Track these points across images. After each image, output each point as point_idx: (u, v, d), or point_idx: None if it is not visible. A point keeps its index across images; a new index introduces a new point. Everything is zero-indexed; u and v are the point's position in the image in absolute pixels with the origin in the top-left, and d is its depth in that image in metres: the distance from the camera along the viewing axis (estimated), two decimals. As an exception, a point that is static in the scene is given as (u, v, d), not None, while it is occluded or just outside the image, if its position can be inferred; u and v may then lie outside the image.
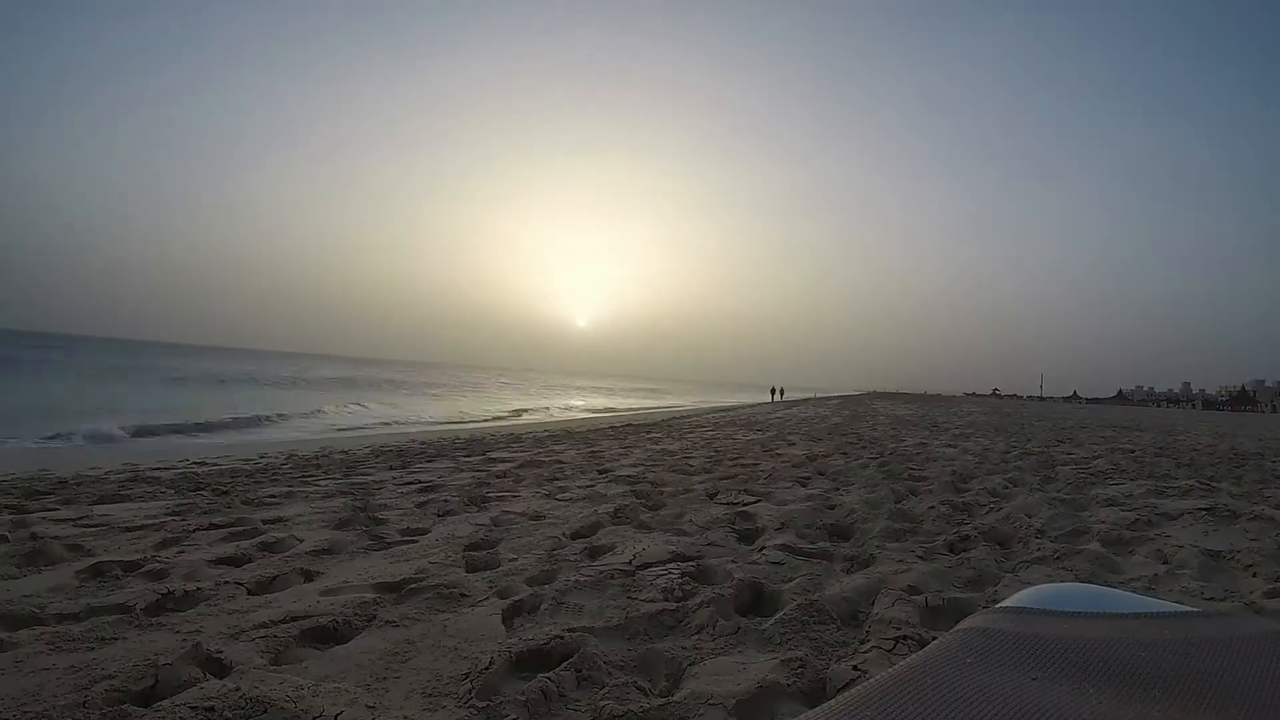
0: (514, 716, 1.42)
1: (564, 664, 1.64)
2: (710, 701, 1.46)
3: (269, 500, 3.81)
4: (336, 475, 4.92)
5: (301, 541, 2.88)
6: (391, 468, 5.39)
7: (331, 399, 21.49)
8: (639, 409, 23.50)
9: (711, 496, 4.15)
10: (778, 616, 1.98)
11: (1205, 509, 3.67)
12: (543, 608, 2.09)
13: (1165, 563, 2.72)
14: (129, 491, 4.06)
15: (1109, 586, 0.98)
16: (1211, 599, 2.25)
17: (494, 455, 6.33)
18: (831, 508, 3.78)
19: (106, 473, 4.93)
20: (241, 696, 1.41)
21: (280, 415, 13.99)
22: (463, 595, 2.20)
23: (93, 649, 1.73)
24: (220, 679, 1.55)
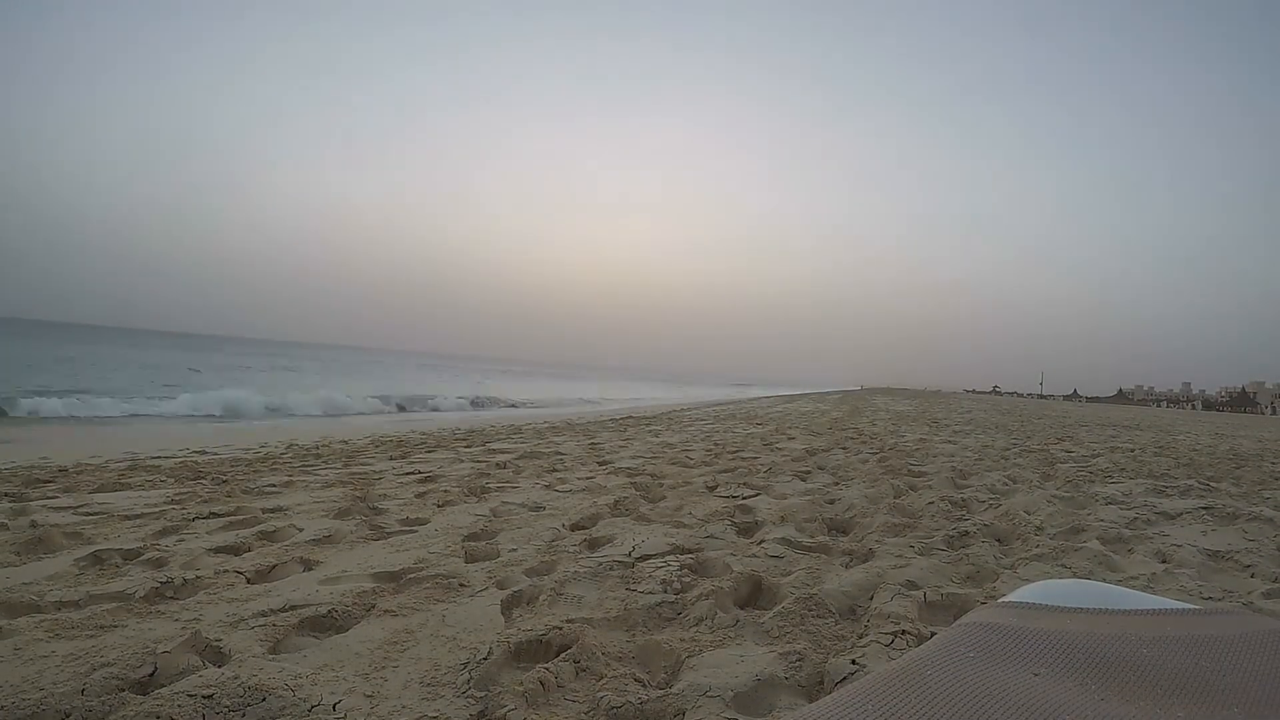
0: (512, 707, 1.42)
1: (562, 655, 1.64)
2: (708, 693, 1.46)
3: (269, 489, 3.81)
4: (336, 465, 4.92)
5: (301, 530, 2.89)
6: (391, 458, 5.40)
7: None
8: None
9: (711, 489, 4.15)
10: (776, 610, 1.98)
11: (1204, 509, 3.67)
12: (541, 599, 2.10)
13: (1164, 562, 2.72)
14: (129, 480, 4.06)
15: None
16: (1210, 599, 2.25)
17: (494, 446, 6.34)
18: (831, 502, 3.78)
19: (106, 461, 4.93)
20: (240, 684, 1.41)
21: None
22: (462, 585, 2.20)
23: (92, 636, 1.73)
24: (219, 667, 1.55)
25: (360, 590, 2.11)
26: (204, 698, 1.37)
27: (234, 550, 2.59)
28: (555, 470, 4.85)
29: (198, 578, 2.18)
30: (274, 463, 5.04)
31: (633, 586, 2.20)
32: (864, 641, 1.74)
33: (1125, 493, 4.36)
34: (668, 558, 2.52)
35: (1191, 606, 0.71)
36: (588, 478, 4.51)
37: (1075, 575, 2.47)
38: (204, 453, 5.61)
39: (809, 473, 5.00)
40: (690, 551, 2.64)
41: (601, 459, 5.56)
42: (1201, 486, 4.71)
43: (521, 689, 1.47)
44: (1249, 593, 2.32)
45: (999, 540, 3.05)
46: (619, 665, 1.64)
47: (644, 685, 1.55)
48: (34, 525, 2.81)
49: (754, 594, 2.22)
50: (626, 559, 2.50)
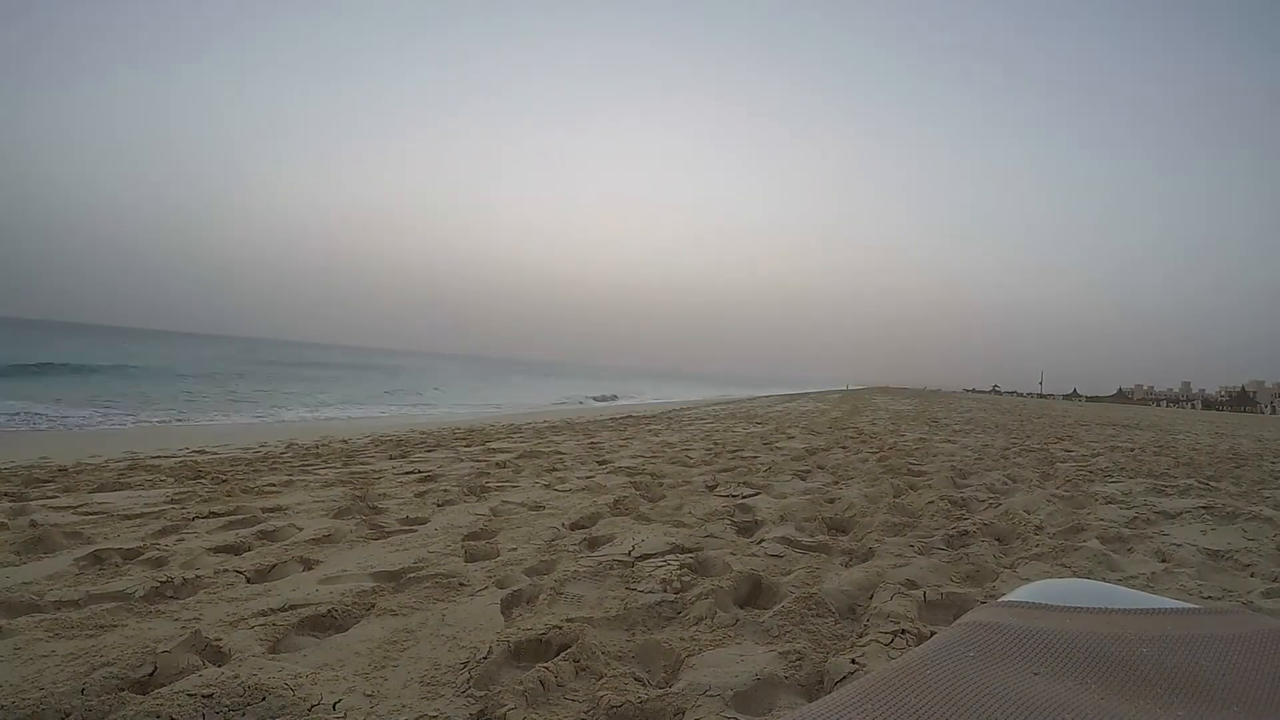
0: (512, 706, 1.42)
1: (562, 654, 1.64)
2: (708, 693, 1.47)
3: (268, 489, 3.81)
4: (336, 464, 4.92)
5: (300, 530, 2.89)
6: (391, 457, 5.40)
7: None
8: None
9: (711, 489, 4.15)
10: (776, 609, 1.98)
11: (1204, 508, 3.67)
12: (541, 598, 2.10)
13: (1164, 561, 2.72)
14: (129, 479, 4.06)
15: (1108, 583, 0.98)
16: (1209, 598, 2.25)
17: (494, 445, 6.34)
18: (830, 501, 3.78)
19: (106, 460, 4.93)
20: (240, 684, 1.41)
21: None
22: (461, 585, 2.20)
23: (92, 636, 1.73)
24: (219, 666, 1.55)
25: (360, 590, 2.11)
26: (204, 697, 1.37)
27: (234, 550, 2.59)
28: (555, 469, 4.86)
29: (197, 577, 2.18)
30: (274, 462, 5.04)
31: (632, 586, 2.20)
32: (864, 641, 1.74)
33: (1125, 492, 4.35)
34: (667, 557, 2.52)
35: (1191, 606, 0.71)
36: (587, 477, 4.51)
37: (1075, 574, 2.47)
38: (204, 452, 5.61)
39: (809, 472, 5.00)
40: (690, 551, 2.64)
41: (601, 458, 5.56)
42: (1201, 486, 4.71)
43: (521, 688, 1.47)
44: (1249, 592, 2.32)
45: (999, 539, 3.05)
46: (619, 664, 1.64)
47: (644, 684, 1.55)
48: (34, 525, 2.81)
49: (754, 593, 2.22)
50: (626, 558, 2.50)
